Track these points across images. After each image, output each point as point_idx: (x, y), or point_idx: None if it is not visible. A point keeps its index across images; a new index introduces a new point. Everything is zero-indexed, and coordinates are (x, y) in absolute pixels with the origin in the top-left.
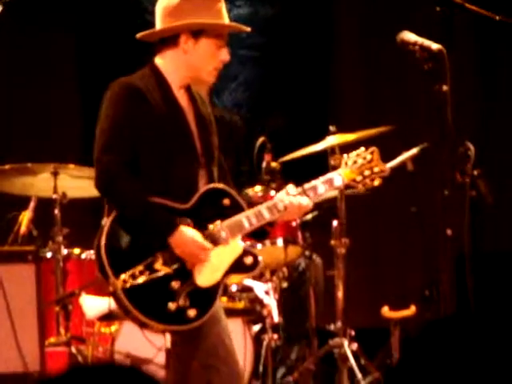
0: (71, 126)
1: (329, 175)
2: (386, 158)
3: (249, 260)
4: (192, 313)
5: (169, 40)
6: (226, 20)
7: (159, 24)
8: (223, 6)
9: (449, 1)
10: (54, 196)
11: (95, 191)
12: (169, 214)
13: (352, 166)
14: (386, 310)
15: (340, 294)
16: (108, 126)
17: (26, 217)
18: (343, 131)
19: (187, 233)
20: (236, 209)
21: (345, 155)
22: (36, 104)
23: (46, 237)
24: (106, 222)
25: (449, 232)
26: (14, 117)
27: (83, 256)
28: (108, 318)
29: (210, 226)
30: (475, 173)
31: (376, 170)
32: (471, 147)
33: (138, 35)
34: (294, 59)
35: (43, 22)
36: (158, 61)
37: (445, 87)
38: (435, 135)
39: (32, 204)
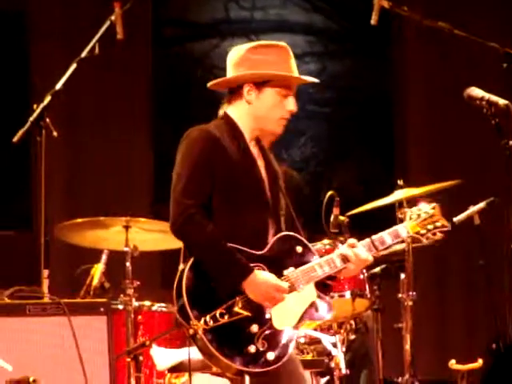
0: (143, 180)
1: (395, 227)
2: (453, 212)
3: (322, 307)
4: (271, 356)
5: (235, 90)
6: (293, 70)
7: (227, 75)
8: (289, 56)
9: None
10: (126, 249)
11: (165, 244)
12: (244, 258)
13: (416, 219)
14: (453, 363)
15: (407, 346)
16: (187, 171)
17: (98, 269)
18: (410, 185)
19: (260, 276)
20: (308, 256)
21: (408, 210)
22: (109, 159)
23: (118, 289)
24: (186, 266)
25: None
26: (91, 171)
27: (154, 308)
28: (178, 369)
29: (285, 272)
30: None
31: (438, 224)
32: None
33: (209, 84)
34: (361, 114)
35: (119, 80)
36: (230, 111)
37: (511, 142)
38: (502, 189)
39: (104, 257)
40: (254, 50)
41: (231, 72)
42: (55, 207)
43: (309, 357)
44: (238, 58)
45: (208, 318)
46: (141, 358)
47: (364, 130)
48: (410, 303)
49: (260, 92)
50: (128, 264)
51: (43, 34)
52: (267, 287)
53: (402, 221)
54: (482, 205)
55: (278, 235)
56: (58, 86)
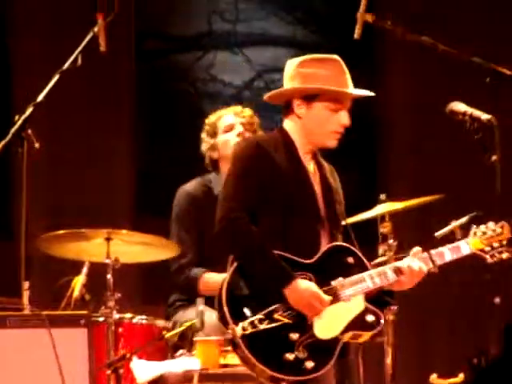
0: (125, 193)
1: (457, 243)
2: (435, 227)
3: (370, 318)
4: (309, 365)
5: (288, 105)
6: (346, 84)
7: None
8: (342, 70)
9: (497, 72)
10: (107, 261)
11: (147, 257)
12: (287, 264)
13: (481, 236)
14: (434, 378)
15: (389, 360)
16: (232, 179)
17: (78, 281)
18: (392, 199)
19: (302, 284)
20: (360, 268)
21: (474, 226)
22: (91, 171)
23: (99, 301)
24: (229, 271)
25: (497, 300)
26: (72, 183)
27: (134, 320)
28: (158, 382)
29: (332, 282)
30: None
31: (505, 243)
32: None
33: (264, 97)
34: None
35: (101, 92)
36: (285, 124)
37: (494, 157)
38: (484, 205)
39: (85, 269)
40: (305, 63)
41: (285, 85)
42: (36, 219)
43: None
44: (290, 71)
45: (247, 323)
46: (121, 370)
47: (346, 143)
48: (392, 317)
49: (309, 106)
50: (109, 276)
51: (25, 44)
52: (308, 296)
53: (384, 235)
54: (464, 220)
55: (329, 245)
56: (40, 97)
